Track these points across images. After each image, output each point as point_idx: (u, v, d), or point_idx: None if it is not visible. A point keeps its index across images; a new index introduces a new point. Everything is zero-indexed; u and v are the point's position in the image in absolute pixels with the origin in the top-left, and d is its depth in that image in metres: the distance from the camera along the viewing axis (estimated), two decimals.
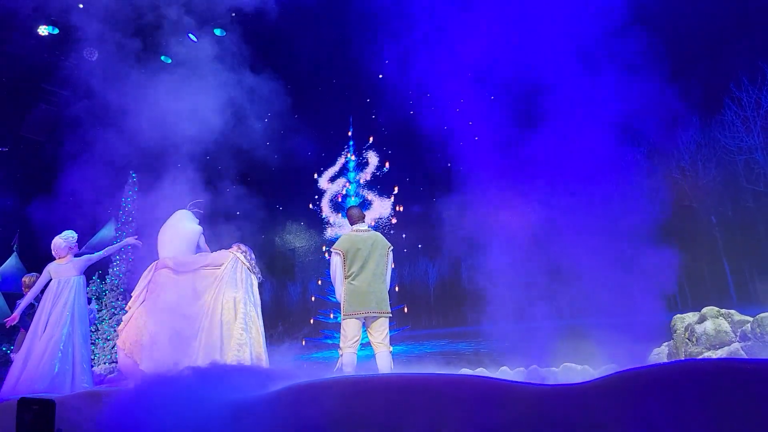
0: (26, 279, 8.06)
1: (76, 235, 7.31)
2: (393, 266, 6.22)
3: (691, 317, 6.59)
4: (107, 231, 15.13)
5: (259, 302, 6.11)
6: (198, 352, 5.58)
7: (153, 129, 11.26)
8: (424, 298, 10.68)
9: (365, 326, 5.92)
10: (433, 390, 3.24)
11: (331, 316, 11.13)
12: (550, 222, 6.85)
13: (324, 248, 11.81)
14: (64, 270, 6.98)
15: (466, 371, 7.37)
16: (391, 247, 6.09)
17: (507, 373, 6.99)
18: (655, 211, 6.57)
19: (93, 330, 13.38)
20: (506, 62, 7.65)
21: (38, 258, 15.69)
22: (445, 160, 8.47)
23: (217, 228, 9.12)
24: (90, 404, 4.58)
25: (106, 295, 13.49)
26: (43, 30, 12.24)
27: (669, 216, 6.64)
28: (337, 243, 6.00)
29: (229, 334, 5.73)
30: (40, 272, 7.39)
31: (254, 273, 6.24)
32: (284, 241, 13.42)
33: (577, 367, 6.70)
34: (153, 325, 5.93)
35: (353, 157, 12.22)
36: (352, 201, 11.95)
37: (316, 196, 12.62)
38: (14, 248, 16.18)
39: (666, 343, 6.75)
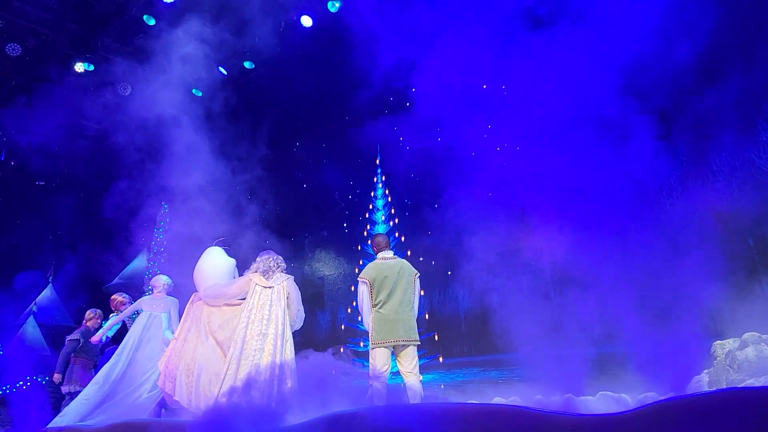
0: (118, 297, 8.23)
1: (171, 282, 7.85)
2: (421, 293, 6.16)
3: (731, 343, 6.39)
4: (139, 262, 15.35)
5: (289, 335, 5.99)
6: (229, 383, 5.53)
7: (186, 159, 11.47)
8: (455, 325, 10.56)
9: (394, 355, 5.86)
10: (468, 420, 3.18)
11: (361, 344, 11.07)
12: (583, 247, 6.75)
13: (356, 269, 11.80)
14: (157, 304, 7.47)
15: (499, 400, 7.24)
16: (418, 274, 6.05)
17: (542, 402, 6.85)
18: (690, 235, 6.44)
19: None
20: (540, 87, 7.65)
21: (73, 289, 15.99)
22: (475, 186, 8.45)
23: (245, 257, 9.20)
24: None
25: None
26: (80, 67, 12.62)
27: (706, 240, 6.49)
28: (363, 272, 5.98)
29: (258, 363, 5.65)
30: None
31: (272, 287, 6.07)
32: (313, 269, 13.45)
33: (614, 396, 6.52)
34: (188, 357, 5.97)
35: (381, 185, 12.26)
36: (380, 228, 11.96)
37: (345, 224, 12.67)
38: (50, 280, 16.49)
39: (706, 370, 6.54)
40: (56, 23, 11.94)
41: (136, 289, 14.46)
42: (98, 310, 8.76)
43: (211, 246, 6.89)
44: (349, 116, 11.40)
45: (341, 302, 12.70)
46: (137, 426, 5.16)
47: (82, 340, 8.24)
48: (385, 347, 5.77)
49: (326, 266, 13.47)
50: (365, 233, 11.99)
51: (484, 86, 9.04)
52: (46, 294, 16.26)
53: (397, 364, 5.89)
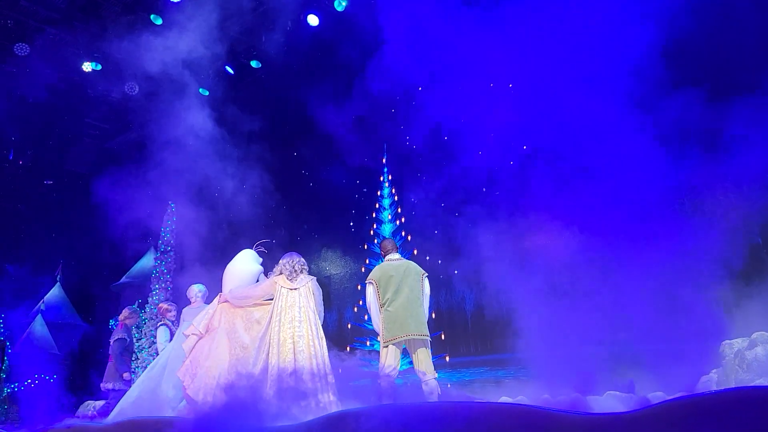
0: (165, 305, 8.38)
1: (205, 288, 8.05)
2: (429, 292, 6.23)
3: (740, 343, 6.34)
4: (146, 260, 15.40)
5: (322, 333, 6.14)
6: (264, 383, 5.67)
7: (192, 159, 11.50)
8: (461, 324, 10.54)
9: (409, 354, 5.96)
10: (476, 419, 3.16)
11: (368, 343, 11.06)
12: (592, 247, 6.72)
13: (363, 269, 11.81)
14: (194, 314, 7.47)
15: (506, 399, 7.22)
16: (426, 274, 6.18)
17: (549, 401, 6.82)
18: (700, 234, 6.40)
19: (133, 359, 13.55)
20: (549, 85, 7.62)
21: (80, 288, 16.07)
22: (481, 185, 8.43)
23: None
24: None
25: (145, 324, 13.66)
26: (87, 66, 12.66)
27: (716, 239, 6.45)
28: (370, 274, 6.21)
29: (302, 364, 5.77)
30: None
31: (297, 289, 6.18)
32: (320, 268, 13.45)
33: (621, 396, 6.49)
34: (211, 357, 6.06)
35: (387, 184, 12.25)
36: (387, 227, 11.94)
37: (351, 223, 12.66)
38: (57, 279, 16.56)
39: (715, 370, 6.50)
40: (64, 23, 11.98)
41: (143, 288, 14.52)
42: (135, 308, 8.93)
43: (248, 249, 7.02)
44: (355, 114, 11.39)
45: (348, 301, 12.69)
46: (143, 423, 5.17)
47: (128, 339, 8.42)
48: (395, 345, 5.87)
49: (333, 265, 13.47)
50: (372, 232, 11.98)
51: (491, 84, 9.02)
52: (54, 292, 16.32)
53: (413, 363, 5.98)
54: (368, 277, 6.20)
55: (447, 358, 10.17)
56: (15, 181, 15.34)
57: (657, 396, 5.98)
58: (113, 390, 8.10)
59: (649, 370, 6.56)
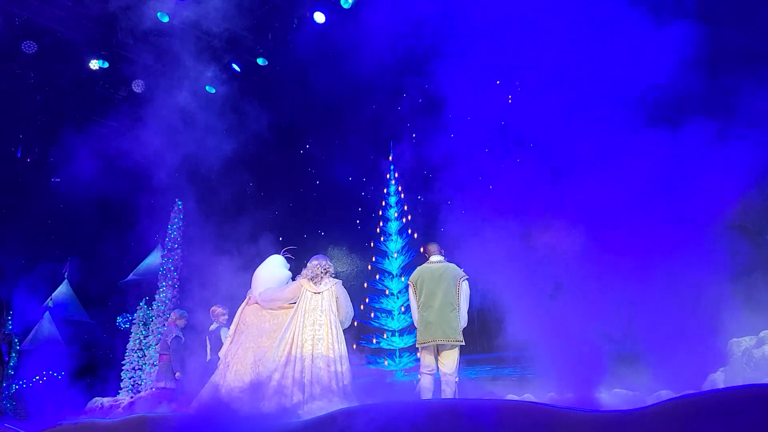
0: (218, 309, 8.53)
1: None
2: (466, 295, 6.44)
3: (748, 341, 6.31)
4: (153, 258, 15.45)
5: (342, 336, 6.32)
6: (285, 382, 5.88)
7: (199, 157, 11.53)
8: (468, 322, 10.52)
9: (437, 354, 6.22)
10: (482, 416, 3.17)
11: (374, 341, 11.08)
12: (598, 244, 6.69)
13: (369, 266, 11.83)
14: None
15: (512, 397, 7.21)
16: (465, 277, 6.39)
17: (555, 399, 6.81)
18: (707, 231, 6.36)
19: (140, 356, 13.62)
20: (555, 83, 7.59)
21: (88, 285, 16.14)
22: (488, 182, 8.41)
23: (260, 254, 9.24)
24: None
25: (152, 321, 13.71)
26: (94, 64, 12.70)
27: (722, 237, 6.42)
28: (411, 276, 6.54)
29: (319, 365, 5.96)
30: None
31: (321, 292, 6.38)
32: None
33: (628, 394, 6.47)
34: (238, 358, 6.31)
35: (393, 182, 12.25)
36: (393, 224, 11.95)
37: (358, 221, 12.66)
38: (65, 276, 16.65)
39: (722, 368, 6.47)
40: (71, 21, 12.02)
41: (150, 285, 14.57)
42: (183, 312, 9.14)
43: (276, 255, 7.31)
44: (361, 112, 11.39)
45: (354, 299, 12.65)
46: (152, 419, 5.20)
47: (182, 338, 8.67)
48: (426, 348, 6.20)
49: (339, 263, 13.47)
50: (378, 230, 11.99)
51: (497, 82, 8.99)
52: (62, 290, 16.41)
53: (438, 362, 6.24)
54: (409, 278, 6.54)
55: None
56: (23, 179, 15.43)
57: (664, 394, 5.96)
58: (165, 389, 8.37)
59: (656, 367, 6.53)
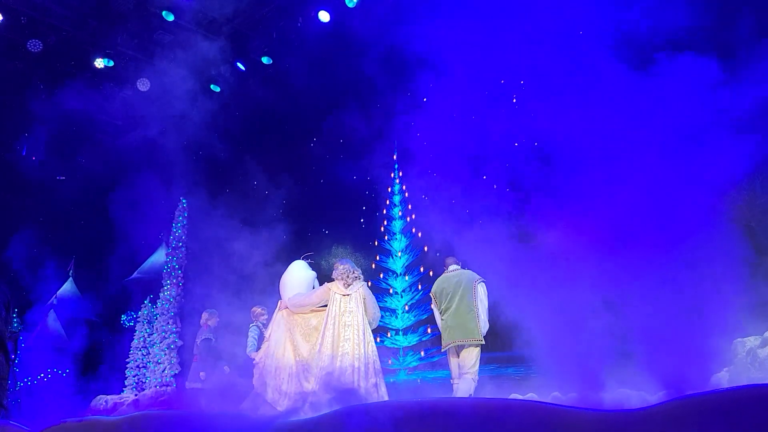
0: (258, 309, 8.62)
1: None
2: (484, 297, 6.83)
3: (752, 341, 6.31)
4: (158, 256, 15.48)
5: (370, 337, 6.60)
6: (319, 381, 6.20)
7: (203, 155, 11.55)
8: None
9: (459, 355, 6.65)
10: (485, 415, 3.16)
11: (378, 340, 11.08)
12: (601, 243, 6.68)
13: (373, 265, 11.84)
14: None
15: (516, 396, 7.21)
16: (481, 281, 6.81)
17: (559, 398, 6.81)
18: (712, 231, 6.33)
19: (144, 354, 13.65)
20: (560, 82, 7.57)
21: (92, 283, 16.18)
22: (492, 182, 8.41)
23: (264, 252, 9.25)
24: None
25: (157, 319, 13.74)
26: (99, 63, 12.73)
27: (727, 237, 6.39)
28: (432, 288, 7.08)
29: (345, 365, 6.27)
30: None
31: (349, 295, 6.62)
32: (330, 264, 13.45)
33: (632, 393, 6.46)
34: (274, 359, 6.65)
35: (398, 181, 12.25)
36: (397, 223, 11.95)
37: (362, 220, 12.66)
38: (70, 274, 16.69)
39: (726, 368, 6.46)
40: (76, 19, 12.04)
41: (154, 283, 14.59)
42: (214, 310, 9.15)
43: (298, 260, 7.65)
44: (366, 111, 11.39)
45: None
46: (156, 416, 5.21)
47: (213, 339, 8.73)
48: (449, 350, 6.71)
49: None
50: (382, 228, 11.98)
51: (502, 81, 8.98)
52: (67, 287, 16.44)
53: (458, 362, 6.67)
54: (430, 292, 7.10)
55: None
56: (28, 177, 15.46)
57: (668, 393, 5.94)
58: (194, 389, 8.42)
59: (660, 367, 6.51)
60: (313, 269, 7.56)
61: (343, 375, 6.07)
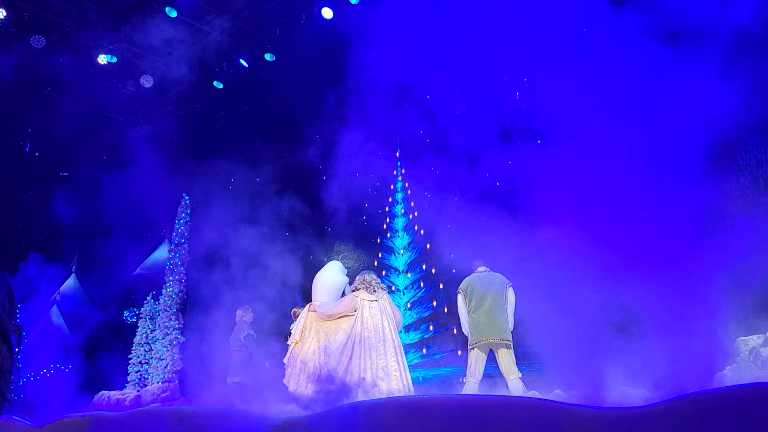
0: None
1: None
2: (513, 300, 7.01)
3: (755, 339, 6.30)
4: (161, 252, 15.50)
5: (397, 339, 6.97)
6: (353, 381, 6.48)
7: (206, 151, 11.54)
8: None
9: (494, 358, 6.76)
10: (488, 412, 3.17)
11: None
12: (605, 240, 6.67)
13: (375, 262, 11.84)
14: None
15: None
16: (510, 284, 6.95)
17: (561, 396, 6.80)
18: (714, 229, 6.33)
19: (147, 350, 13.68)
20: (562, 81, 7.56)
21: (95, 278, 16.22)
22: (495, 179, 8.41)
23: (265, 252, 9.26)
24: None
25: (159, 315, 13.76)
26: (103, 59, 12.74)
27: (730, 235, 6.38)
28: (460, 285, 7.13)
29: (386, 365, 6.66)
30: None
31: (377, 300, 7.02)
32: (325, 263, 13.45)
33: (634, 391, 6.45)
34: (304, 357, 6.96)
35: (400, 178, 12.25)
36: (400, 221, 11.94)
37: (364, 217, 12.65)
38: (73, 270, 16.73)
39: (729, 367, 6.45)
40: (79, 15, 12.05)
41: (157, 279, 14.62)
42: (247, 306, 9.28)
43: (335, 261, 8.02)
44: (369, 107, 11.38)
45: None
46: (159, 411, 5.23)
47: (254, 334, 8.95)
48: (479, 348, 6.70)
49: (345, 259, 13.47)
50: (384, 226, 11.98)
51: (505, 78, 8.96)
52: (70, 283, 16.48)
53: (498, 365, 6.80)
54: (458, 287, 7.09)
55: (459, 352, 10.16)
56: (31, 172, 15.49)
57: (670, 391, 5.93)
58: (238, 383, 8.51)
59: (662, 365, 6.51)
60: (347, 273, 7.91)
61: (388, 375, 6.47)
